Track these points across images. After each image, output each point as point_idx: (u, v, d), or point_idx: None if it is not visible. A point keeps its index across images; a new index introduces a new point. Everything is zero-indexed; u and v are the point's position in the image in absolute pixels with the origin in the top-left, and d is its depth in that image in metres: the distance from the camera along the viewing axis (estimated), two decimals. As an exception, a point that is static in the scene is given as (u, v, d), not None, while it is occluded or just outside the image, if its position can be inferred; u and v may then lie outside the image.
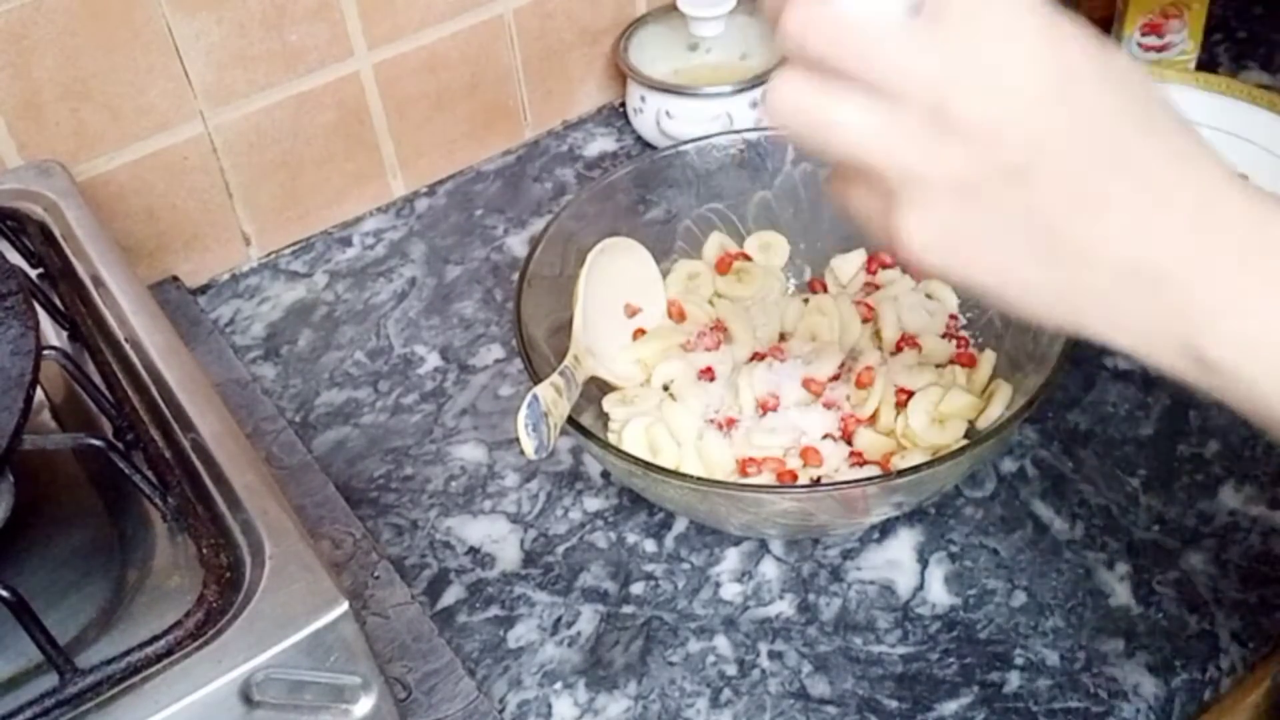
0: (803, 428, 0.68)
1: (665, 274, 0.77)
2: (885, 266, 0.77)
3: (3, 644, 0.47)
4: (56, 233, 0.66)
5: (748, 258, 0.78)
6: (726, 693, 0.61)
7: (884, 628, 0.63)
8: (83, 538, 0.53)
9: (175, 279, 0.87)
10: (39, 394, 0.56)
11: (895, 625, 0.63)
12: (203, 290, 0.89)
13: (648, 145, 0.98)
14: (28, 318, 0.52)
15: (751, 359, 0.73)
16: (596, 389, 0.70)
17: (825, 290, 0.78)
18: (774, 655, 0.63)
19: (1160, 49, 0.95)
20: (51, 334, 0.61)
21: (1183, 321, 0.38)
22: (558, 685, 0.62)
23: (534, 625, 0.65)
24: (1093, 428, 0.72)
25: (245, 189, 0.88)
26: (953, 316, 0.74)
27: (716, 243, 0.78)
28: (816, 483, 0.66)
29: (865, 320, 0.74)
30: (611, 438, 0.68)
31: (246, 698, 0.45)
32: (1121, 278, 0.38)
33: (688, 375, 0.72)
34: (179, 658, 0.44)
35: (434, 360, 0.82)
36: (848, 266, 0.77)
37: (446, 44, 0.91)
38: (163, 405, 0.55)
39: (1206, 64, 0.99)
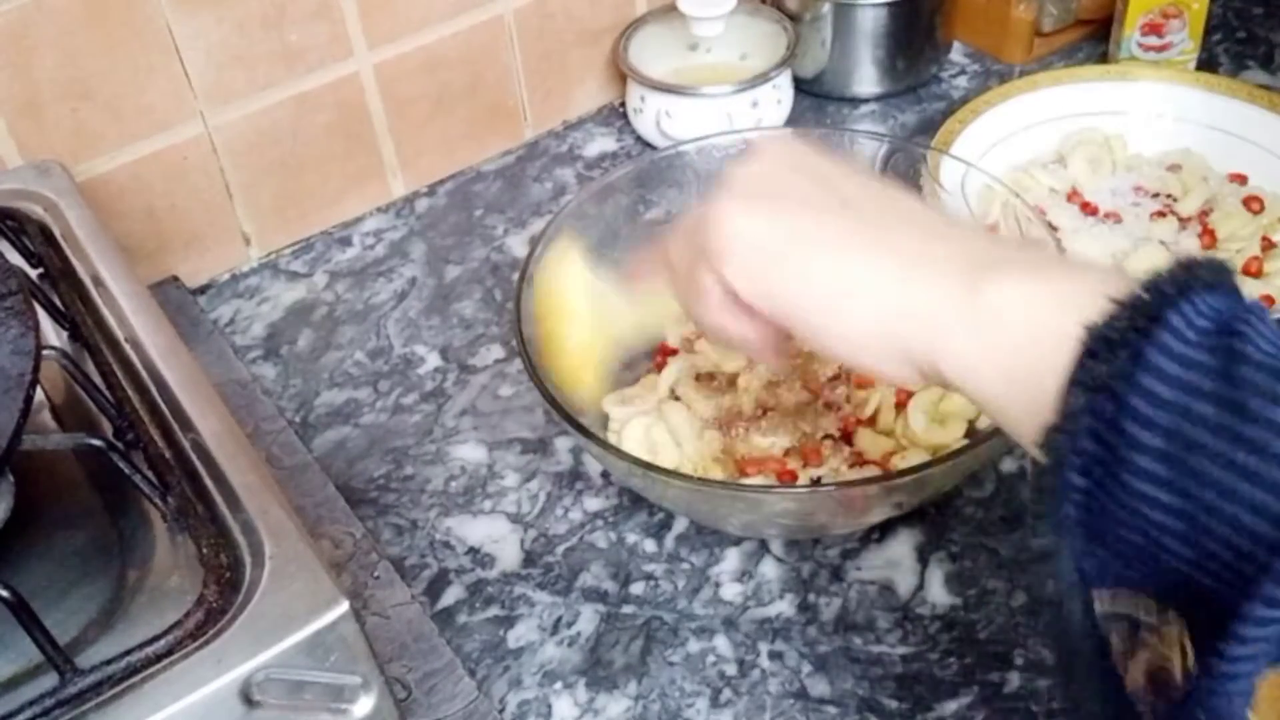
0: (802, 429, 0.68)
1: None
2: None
3: (3, 644, 0.47)
4: (56, 233, 0.66)
5: None
6: (726, 693, 0.61)
7: (884, 628, 0.63)
8: (83, 538, 0.53)
9: (175, 279, 0.87)
10: (39, 394, 0.56)
11: (895, 625, 0.63)
12: (203, 290, 0.89)
13: (648, 145, 0.98)
14: (28, 318, 0.52)
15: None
16: (596, 389, 0.70)
17: None
18: (774, 655, 0.63)
19: (1160, 49, 0.95)
20: (51, 334, 0.61)
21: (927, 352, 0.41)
22: (558, 685, 0.62)
23: (534, 625, 0.65)
24: (1093, 428, 0.72)
25: (245, 189, 0.88)
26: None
27: None
28: (817, 483, 0.66)
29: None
30: (611, 438, 0.68)
31: (246, 698, 0.45)
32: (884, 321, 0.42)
33: (689, 376, 0.72)
34: (179, 658, 0.44)
35: (434, 360, 0.82)
36: None
37: (446, 44, 0.91)
38: (163, 405, 0.55)
39: (1206, 64, 0.99)
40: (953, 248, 0.41)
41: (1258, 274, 0.77)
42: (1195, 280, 0.34)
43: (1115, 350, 0.34)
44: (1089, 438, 0.34)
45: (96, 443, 0.50)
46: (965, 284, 0.39)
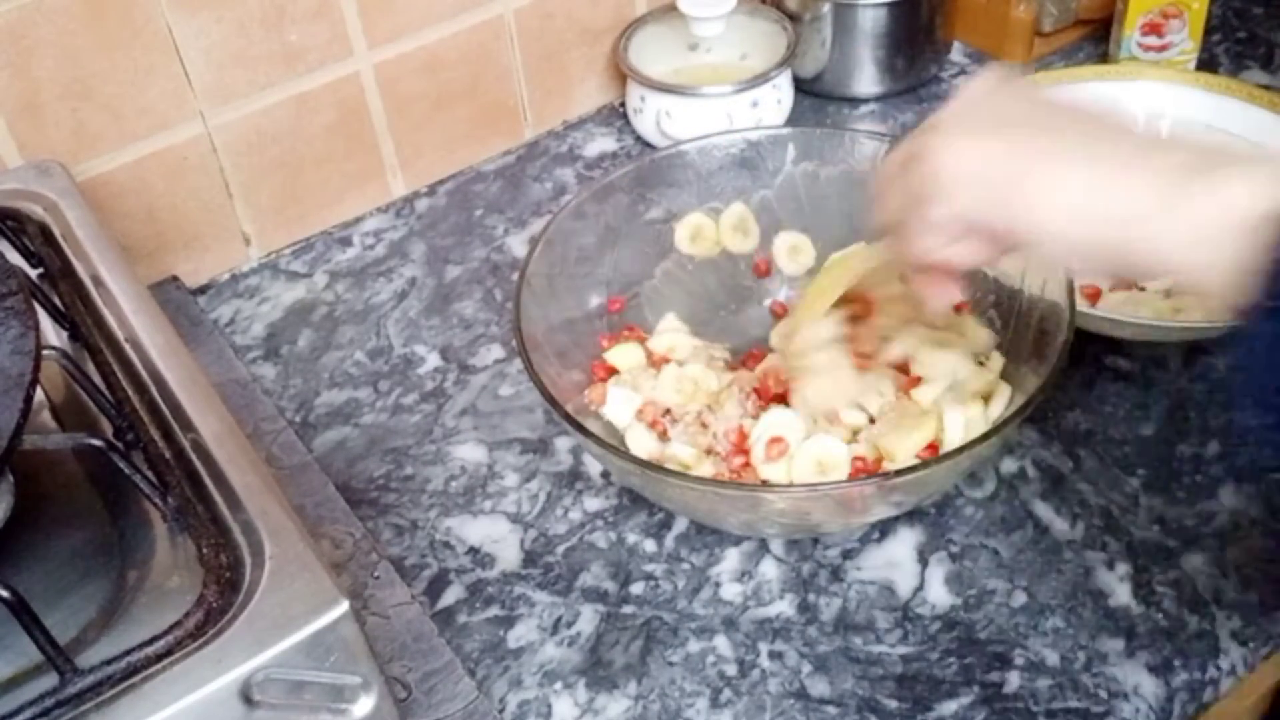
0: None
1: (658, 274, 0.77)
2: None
3: (3, 644, 0.47)
4: (56, 233, 0.66)
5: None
6: (726, 693, 0.61)
7: (884, 628, 0.63)
8: (83, 538, 0.53)
9: (175, 279, 0.87)
10: (39, 394, 0.56)
11: (895, 625, 0.63)
12: (203, 290, 0.89)
13: (648, 145, 0.98)
14: (28, 318, 0.52)
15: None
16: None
17: None
18: (774, 655, 0.63)
19: (1160, 49, 0.95)
20: (51, 334, 0.61)
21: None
22: (558, 685, 0.62)
23: (534, 625, 0.65)
24: (1093, 428, 0.72)
25: (245, 189, 0.88)
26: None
27: (737, 212, 0.78)
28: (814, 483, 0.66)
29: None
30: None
31: (246, 698, 0.45)
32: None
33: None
34: (179, 658, 0.44)
35: (434, 360, 0.82)
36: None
37: (446, 44, 0.91)
38: (163, 405, 0.55)
39: (1206, 64, 0.99)
40: (1166, 156, 0.46)
41: (1258, 274, 0.77)
42: None
43: None
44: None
45: (96, 443, 0.50)
46: (1179, 187, 0.44)
